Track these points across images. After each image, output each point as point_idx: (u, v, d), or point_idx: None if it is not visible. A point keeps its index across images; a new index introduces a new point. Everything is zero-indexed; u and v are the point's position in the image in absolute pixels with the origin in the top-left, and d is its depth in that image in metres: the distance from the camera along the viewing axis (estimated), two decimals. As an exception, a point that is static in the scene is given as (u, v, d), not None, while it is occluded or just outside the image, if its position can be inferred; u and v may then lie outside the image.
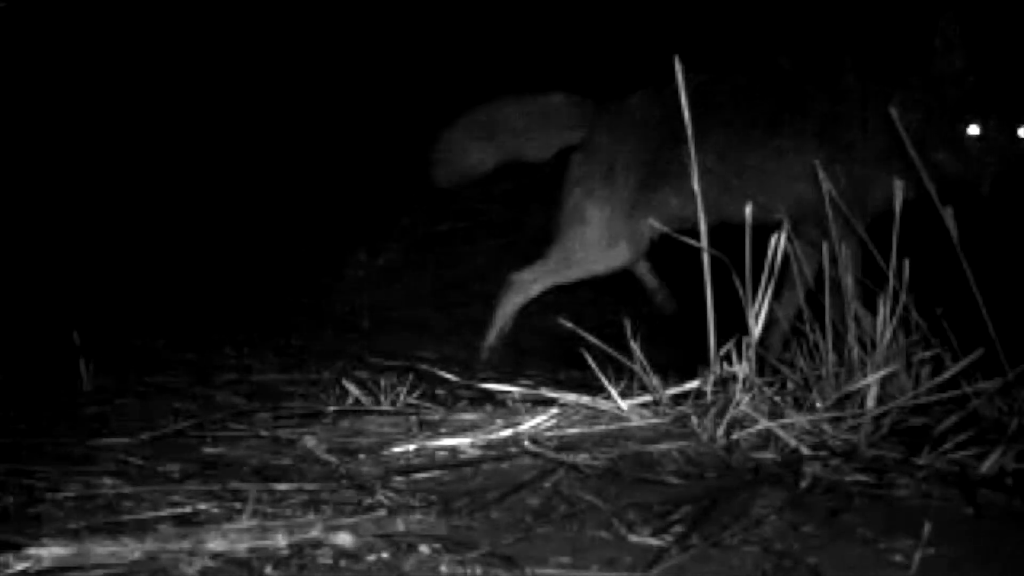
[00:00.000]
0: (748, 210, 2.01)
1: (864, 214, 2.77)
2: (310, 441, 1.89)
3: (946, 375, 1.87)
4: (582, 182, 2.99)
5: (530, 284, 3.07)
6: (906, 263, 1.94)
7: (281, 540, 1.36)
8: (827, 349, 1.94)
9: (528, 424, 1.90)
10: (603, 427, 1.89)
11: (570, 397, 1.99)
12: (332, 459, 1.80)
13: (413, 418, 2.05)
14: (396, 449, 1.84)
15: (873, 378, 1.86)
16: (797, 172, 2.86)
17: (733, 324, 1.96)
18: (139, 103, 4.15)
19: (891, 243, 1.98)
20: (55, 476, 1.66)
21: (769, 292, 1.94)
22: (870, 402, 1.85)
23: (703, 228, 2.05)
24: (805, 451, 1.74)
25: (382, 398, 2.17)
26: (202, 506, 1.53)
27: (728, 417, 1.82)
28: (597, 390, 2.00)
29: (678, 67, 2.04)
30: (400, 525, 1.42)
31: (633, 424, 1.89)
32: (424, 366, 2.61)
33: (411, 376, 2.33)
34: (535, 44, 4.25)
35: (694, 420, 1.86)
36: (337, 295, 3.96)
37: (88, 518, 1.48)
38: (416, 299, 3.96)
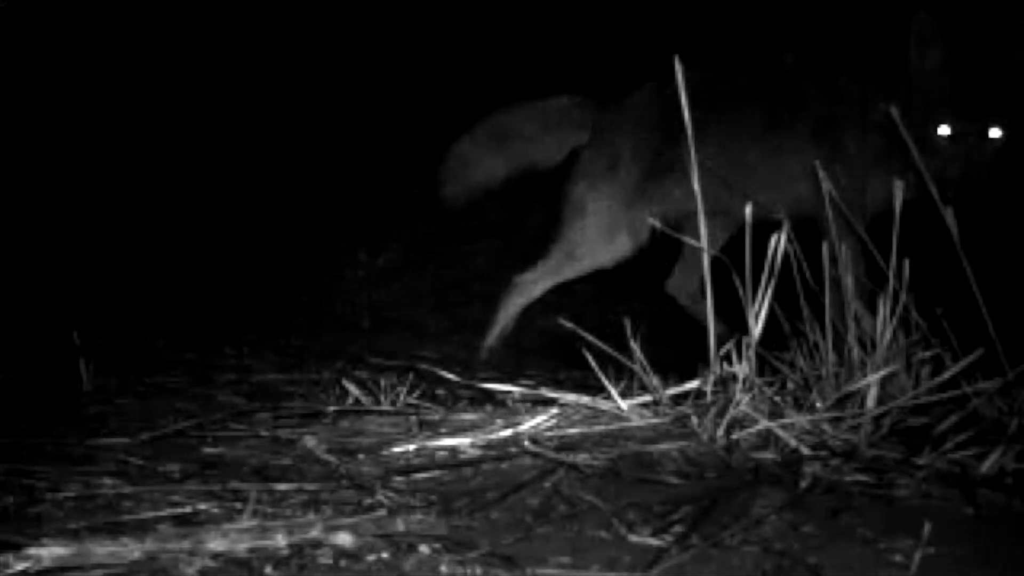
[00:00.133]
0: (748, 210, 2.01)
1: (863, 214, 2.77)
2: (310, 441, 1.89)
3: (946, 375, 1.87)
4: (585, 176, 3.03)
5: (532, 285, 3.09)
6: (906, 263, 1.94)
7: (281, 540, 1.36)
8: (827, 349, 1.94)
9: (528, 424, 1.90)
10: (603, 427, 1.89)
11: (570, 397, 1.99)
12: (332, 459, 1.80)
13: (413, 418, 2.05)
14: (396, 449, 1.84)
15: (873, 378, 1.86)
16: (794, 171, 2.87)
17: (733, 324, 1.96)
18: (139, 103, 4.15)
19: (891, 243, 1.98)
20: (55, 476, 1.66)
21: (769, 292, 1.94)
22: (870, 402, 1.85)
23: (703, 228, 2.05)
24: (805, 451, 1.74)
25: (382, 398, 2.17)
26: (202, 506, 1.53)
27: (728, 417, 1.82)
28: (597, 390, 2.00)
29: (678, 67, 2.04)
30: (400, 525, 1.41)
31: (633, 424, 1.89)
32: (424, 366, 2.61)
33: (411, 376, 2.33)
34: (533, 44, 4.25)
35: (694, 420, 1.86)
36: (337, 295, 3.96)
37: (88, 518, 1.48)
38: (416, 299, 3.96)
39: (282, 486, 1.62)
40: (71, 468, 1.71)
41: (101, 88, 4.08)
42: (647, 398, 1.97)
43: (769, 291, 1.94)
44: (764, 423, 1.80)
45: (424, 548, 1.37)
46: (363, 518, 1.44)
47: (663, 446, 1.78)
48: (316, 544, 1.36)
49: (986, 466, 1.67)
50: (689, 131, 2.04)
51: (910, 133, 2.73)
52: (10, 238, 3.50)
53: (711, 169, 2.80)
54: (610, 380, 1.99)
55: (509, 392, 2.13)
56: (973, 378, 1.87)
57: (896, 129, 2.58)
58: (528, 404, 2.07)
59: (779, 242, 1.95)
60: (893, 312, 1.91)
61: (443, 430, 1.95)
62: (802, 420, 1.81)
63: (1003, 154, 2.72)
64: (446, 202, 3.26)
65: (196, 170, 4.19)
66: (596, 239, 3.01)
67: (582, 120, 3.09)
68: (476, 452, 1.81)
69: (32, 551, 1.28)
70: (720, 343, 1.92)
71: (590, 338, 2.04)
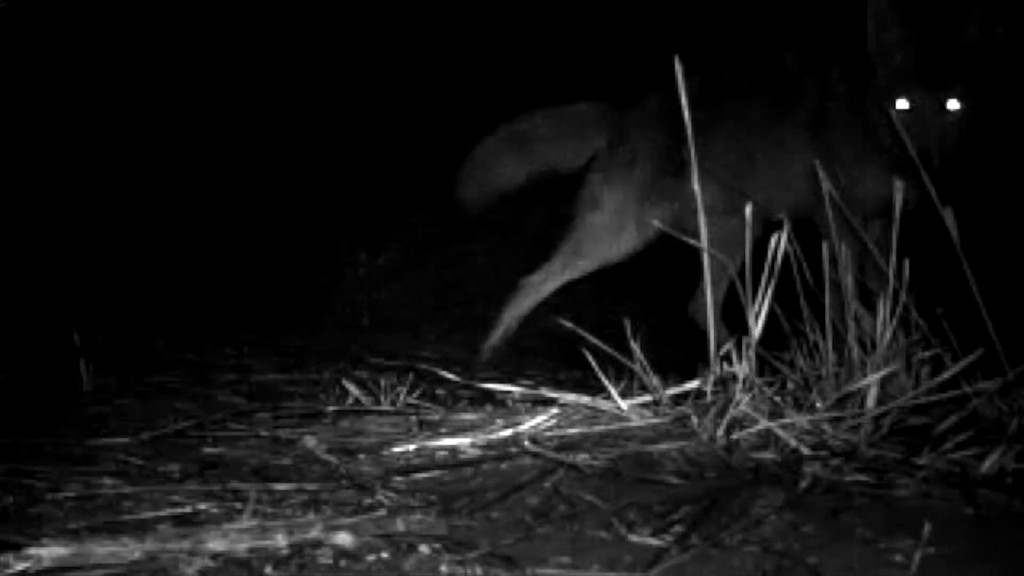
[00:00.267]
0: (748, 210, 2.01)
1: (853, 212, 2.80)
2: (310, 441, 1.89)
3: (946, 375, 1.87)
4: (603, 170, 3.09)
5: (540, 285, 3.12)
6: (906, 263, 1.94)
7: (281, 540, 1.36)
8: (827, 349, 1.94)
9: (528, 424, 1.90)
10: (603, 427, 1.89)
11: (570, 397, 1.99)
12: (332, 459, 1.80)
13: (413, 418, 2.05)
14: (396, 449, 1.84)
15: (873, 378, 1.85)
16: (794, 170, 2.89)
17: (733, 324, 1.96)
18: (139, 103, 4.14)
19: (891, 243, 1.97)
20: (55, 476, 1.66)
21: (769, 292, 1.94)
22: (870, 402, 1.85)
23: (703, 228, 2.05)
24: (805, 451, 1.74)
25: (382, 398, 2.17)
26: (202, 506, 1.53)
27: (728, 417, 1.82)
28: (597, 390, 2.00)
29: (678, 67, 2.05)
30: (400, 525, 1.41)
31: (633, 424, 1.89)
32: (424, 366, 2.61)
33: (411, 376, 2.33)
34: (531, 45, 4.25)
35: (694, 420, 1.86)
36: (337, 295, 3.96)
37: (88, 518, 1.48)
38: (416, 299, 3.96)
39: (282, 486, 1.62)
40: (71, 468, 1.71)
41: (101, 88, 4.08)
42: (647, 398, 1.97)
43: (769, 291, 1.94)
44: (764, 423, 1.80)
45: (424, 548, 1.37)
46: (363, 518, 1.44)
47: (663, 446, 1.78)
48: (316, 544, 1.36)
49: (986, 466, 1.67)
50: (689, 132, 2.05)
51: (872, 110, 2.77)
52: (10, 238, 3.50)
53: (723, 168, 2.85)
54: (610, 380, 1.99)
55: (509, 392, 2.13)
56: (973, 378, 1.87)
57: (891, 127, 2.61)
58: (528, 404, 2.07)
59: (779, 242, 1.95)
60: (893, 312, 1.91)
61: (443, 430, 1.95)
62: (802, 420, 1.81)
63: (964, 127, 2.72)
64: (463, 205, 3.29)
65: (196, 170, 4.19)
66: (606, 232, 3.05)
67: (602, 125, 3.14)
68: (476, 452, 1.81)
69: (32, 551, 1.28)
70: (720, 344, 1.92)
71: (590, 338, 2.04)
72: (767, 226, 2.01)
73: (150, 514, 1.50)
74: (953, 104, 2.71)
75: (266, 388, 2.47)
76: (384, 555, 1.35)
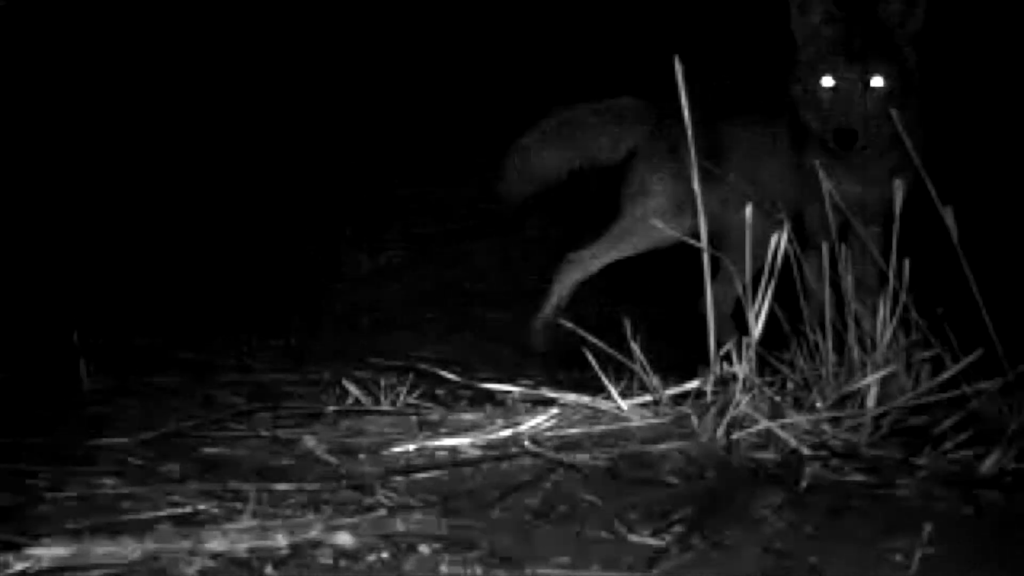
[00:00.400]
0: (748, 210, 2.01)
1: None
2: (310, 441, 1.89)
3: (946, 375, 1.87)
4: (648, 159, 3.19)
5: (589, 261, 3.19)
6: (906, 263, 1.94)
7: (281, 540, 1.36)
8: (827, 349, 1.94)
9: (528, 424, 1.90)
10: (603, 427, 1.89)
11: (570, 397, 1.99)
12: (332, 459, 1.80)
13: (413, 418, 2.05)
14: (396, 449, 1.84)
15: (873, 378, 1.85)
16: (764, 173, 2.99)
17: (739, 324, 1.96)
18: (139, 103, 4.14)
19: (891, 243, 1.97)
20: (55, 476, 1.66)
21: (769, 292, 1.94)
22: (870, 402, 1.85)
23: (703, 228, 2.05)
24: (805, 451, 1.74)
25: (382, 398, 2.17)
26: (202, 506, 1.53)
27: (728, 417, 1.82)
28: (597, 390, 2.00)
29: (678, 68, 2.05)
30: (400, 525, 1.41)
31: (633, 424, 1.89)
32: (424, 366, 2.61)
33: (411, 376, 2.32)
34: (530, 45, 4.25)
35: (694, 420, 1.86)
36: (337, 295, 3.96)
37: (88, 518, 1.48)
38: (416, 299, 3.96)
39: (282, 486, 1.62)
40: (71, 468, 1.71)
41: (101, 88, 4.08)
42: (647, 398, 1.97)
43: (769, 291, 1.94)
44: (764, 423, 1.80)
45: (424, 548, 1.37)
46: (363, 518, 1.44)
47: (663, 446, 1.78)
48: (316, 544, 1.36)
49: (986, 466, 1.67)
50: (689, 132, 2.05)
51: (799, 90, 2.79)
52: (10, 238, 3.50)
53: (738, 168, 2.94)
54: (610, 380, 1.99)
55: (509, 392, 2.13)
56: (973, 378, 1.87)
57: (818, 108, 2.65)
58: (528, 404, 2.07)
59: (779, 242, 1.95)
60: (893, 312, 1.91)
61: (443, 430, 1.95)
62: (802, 420, 1.81)
63: (888, 105, 2.72)
64: (504, 198, 3.35)
65: (196, 170, 4.19)
66: (656, 217, 3.09)
67: (643, 117, 3.23)
68: (476, 452, 1.81)
69: (32, 551, 1.28)
70: (721, 343, 1.92)
71: (590, 338, 2.04)
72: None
73: (150, 514, 1.50)
74: (877, 81, 2.72)
75: (266, 388, 2.47)
76: (384, 555, 1.35)
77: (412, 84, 4.33)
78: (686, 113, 2.05)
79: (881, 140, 2.74)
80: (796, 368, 1.97)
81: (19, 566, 1.26)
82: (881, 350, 1.90)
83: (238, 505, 1.53)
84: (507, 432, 1.87)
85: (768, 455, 1.74)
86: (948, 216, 1.95)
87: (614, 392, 1.97)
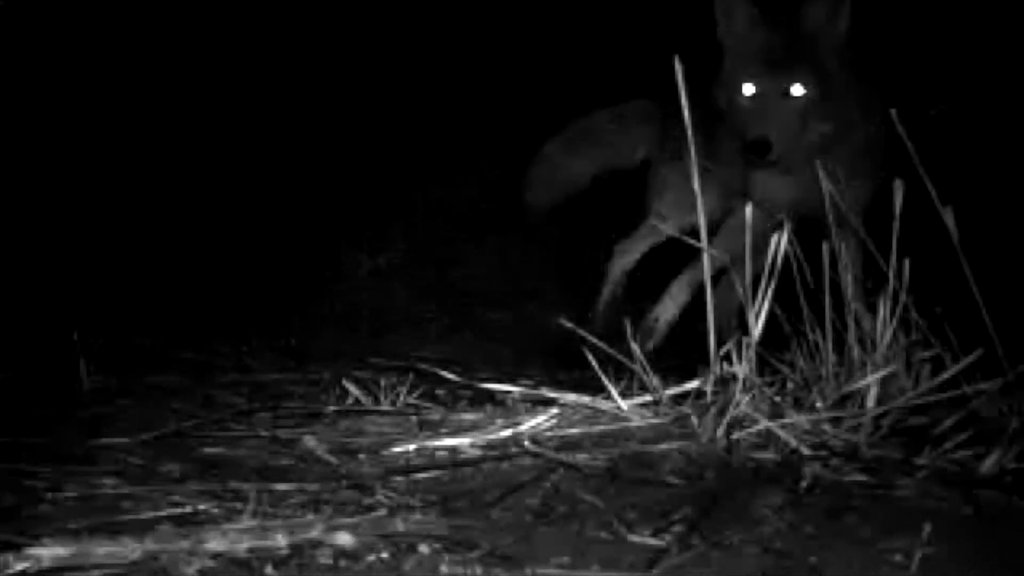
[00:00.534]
0: (748, 210, 2.01)
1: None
2: (310, 441, 1.89)
3: (946, 375, 1.87)
4: (667, 155, 3.27)
5: (631, 246, 3.33)
6: (906, 263, 1.94)
7: (281, 540, 1.36)
8: (827, 349, 1.94)
9: (528, 424, 1.90)
10: (603, 427, 1.89)
11: (570, 397, 1.99)
12: (332, 459, 1.80)
13: (413, 418, 2.05)
14: (396, 449, 1.84)
15: (873, 378, 1.85)
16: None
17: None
18: (139, 103, 4.14)
19: (891, 243, 1.97)
20: (55, 476, 1.66)
21: (770, 292, 1.94)
22: (870, 402, 1.85)
23: (703, 228, 2.05)
24: (805, 451, 1.74)
25: (382, 398, 2.17)
26: (202, 506, 1.53)
27: (728, 417, 1.82)
28: (597, 390, 2.00)
29: (678, 67, 2.05)
30: (400, 525, 1.41)
31: (633, 424, 1.89)
32: (424, 366, 2.61)
33: (411, 376, 2.33)
34: (528, 43, 4.25)
35: (694, 420, 1.86)
36: (337, 295, 3.96)
37: (88, 518, 1.48)
38: (416, 299, 3.96)
39: (282, 486, 1.62)
40: (71, 468, 1.71)
41: (101, 88, 4.08)
42: (647, 398, 1.97)
43: (769, 291, 1.94)
44: (764, 423, 1.80)
45: (424, 548, 1.37)
46: (363, 518, 1.44)
47: (663, 446, 1.78)
48: (316, 544, 1.36)
49: (986, 466, 1.67)
50: (689, 131, 2.05)
51: (722, 96, 2.79)
52: (10, 238, 3.50)
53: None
54: (610, 380, 1.99)
55: (509, 392, 2.13)
56: (973, 378, 1.87)
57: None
58: (528, 404, 2.07)
59: (779, 242, 1.95)
60: (893, 312, 1.91)
61: (443, 430, 1.95)
62: (802, 420, 1.81)
63: (809, 113, 2.71)
64: (531, 207, 3.40)
65: (196, 170, 4.19)
66: (681, 205, 3.19)
67: (655, 118, 3.31)
68: (476, 452, 1.81)
69: (32, 551, 1.28)
70: (722, 343, 1.92)
71: (590, 338, 2.04)
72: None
73: (150, 514, 1.50)
74: (797, 89, 2.71)
75: (266, 388, 2.47)
76: (384, 555, 1.35)
77: (412, 84, 4.33)
78: (686, 113, 2.05)
79: (805, 147, 2.73)
80: (796, 368, 1.97)
81: (19, 566, 1.26)
82: (881, 350, 1.90)
83: (238, 505, 1.53)
84: (507, 432, 1.87)
85: (768, 455, 1.74)
86: (948, 216, 1.95)
87: (614, 392, 1.97)
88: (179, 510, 1.51)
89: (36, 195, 3.80)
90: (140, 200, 4.03)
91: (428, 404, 2.18)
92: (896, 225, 1.99)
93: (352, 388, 2.18)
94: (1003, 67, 3.42)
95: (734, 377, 1.86)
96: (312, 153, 4.34)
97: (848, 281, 2.00)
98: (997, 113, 3.45)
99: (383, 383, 2.22)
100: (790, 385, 1.96)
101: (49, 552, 1.28)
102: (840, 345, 1.94)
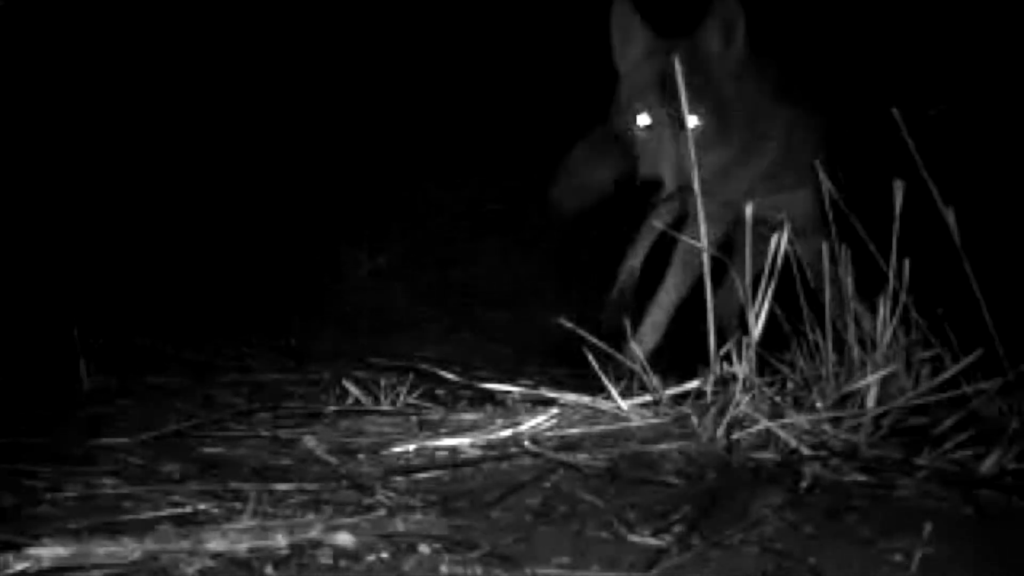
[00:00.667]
0: (748, 210, 2.01)
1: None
2: (310, 441, 1.89)
3: (946, 375, 1.87)
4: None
5: (640, 245, 3.24)
6: (906, 263, 1.94)
7: (281, 540, 1.36)
8: (827, 349, 1.94)
9: (528, 424, 1.90)
10: (603, 427, 1.89)
11: (570, 397, 1.99)
12: (332, 459, 1.80)
13: (413, 418, 2.05)
14: (396, 449, 1.84)
15: (873, 378, 1.85)
16: None
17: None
18: (139, 103, 4.14)
19: (891, 243, 1.97)
20: (55, 476, 1.66)
21: (770, 292, 1.94)
22: (870, 402, 1.85)
23: (703, 228, 2.05)
24: (805, 451, 1.74)
25: (382, 398, 2.17)
26: (202, 506, 1.53)
27: (728, 417, 1.82)
28: (597, 390, 2.00)
29: (678, 67, 2.06)
30: (400, 525, 1.42)
31: (633, 424, 1.89)
32: (424, 366, 2.61)
33: (411, 376, 2.33)
34: (527, 43, 4.25)
35: (694, 420, 1.86)
36: (337, 295, 3.96)
37: (88, 518, 1.48)
38: (416, 299, 3.96)
39: (282, 486, 1.62)
40: (71, 468, 1.71)
41: (101, 88, 4.08)
42: (647, 398, 1.97)
43: (769, 291, 1.94)
44: (764, 423, 1.80)
45: (424, 548, 1.37)
46: (363, 518, 1.44)
47: (663, 446, 1.78)
48: (316, 544, 1.36)
49: (986, 466, 1.67)
50: (689, 132, 2.05)
51: (620, 125, 2.73)
52: (10, 238, 3.50)
53: None
54: (610, 380, 1.99)
55: (509, 392, 2.13)
56: (973, 378, 1.87)
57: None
58: (528, 404, 2.07)
59: (779, 242, 1.95)
60: (893, 312, 1.91)
61: (443, 430, 1.95)
62: (802, 420, 1.81)
63: (704, 144, 2.67)
64: (560, 211, 3.37)
65: (196, 170, 4.19)
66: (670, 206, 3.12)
67: None
68: (476, 452, 1.82)
69: (32, 551, 1.28)
70: (722, 343, 1.92)
71: (590, 338, 2.04)
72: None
73: (150, 514, 1.50)
74: (693, 120, 2.61)
75: (266, 388, 2.47)
76: (384, 555, 1.35)
77: (412, 84, 4.33)
78: (686, 111, 2.05)
79: (688, 179, 2.68)
80: (796, 368, 1.97)
81: (19, 566, 1.26)
82: (881, 350, 1.90)
83: (238, 505, 1.53)
84: (507, 432, 1.87)
85: (768, 455, 1.74)
86: (949, 217, 1.95)
87: (614, 392, 1.97)
88: (179, 510, 1.51)
89: (36, 195, 3.80)
90: (140, 200, 4.03)
91: (428, 404, 2.18)
92: (896, 225, 1.99)
93: (352, 388, 2.19)
94: (1003, 67, 3.42)
95: (734, 377, 1.86)
96: (312, 153, 4.34)
97: (849, 283, 2.00)
98: (997, 113, 3.45)
99: (383, 383, 2.22)
100: (790, 385, 1.96)
101: (49, 552, 1.28)
102: (840, 345, 1.94)
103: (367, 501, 1.56)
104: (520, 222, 4.18)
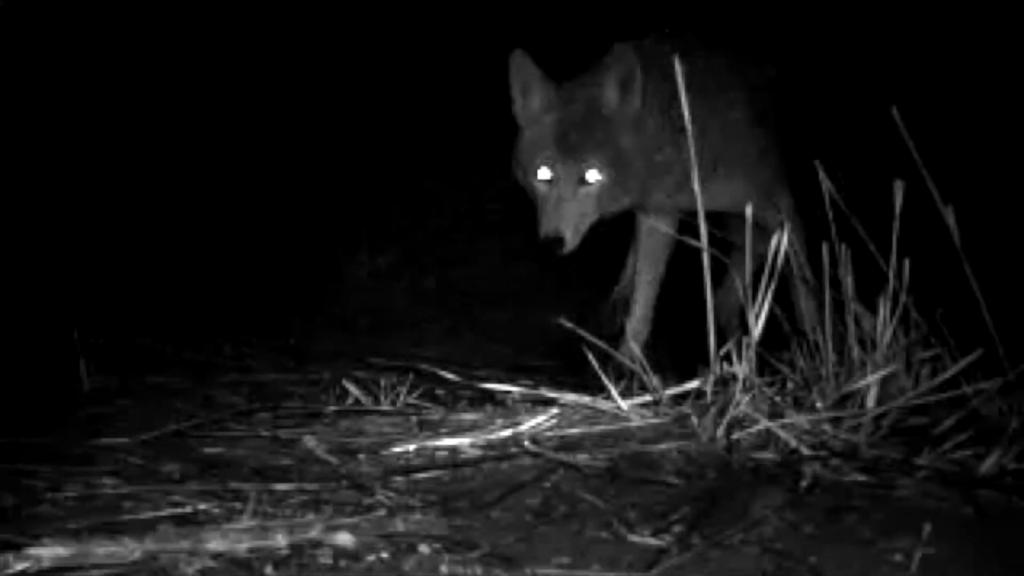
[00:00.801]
0: (748, 210, 2.01)
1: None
2: (310, 441, 1.89)
3: (946, 375, 1.87)
4: None
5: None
6: (906, 263, 1.94)
7: (281, 540, 1.36)
8: (827, 349, 1.94)
9: (528, 424, 1.90)
10: (603, 427, 1.89)
11: (570, 397, 1.99)
12: (332, 459, 1.80)
13: (413, 418, 2.05)
14: (396, 449, 1.84)
15: (873, 378, 1.85)
16: None
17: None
18: (139, 103, 4.14)
19: (891, 243, 1.97)
20: (55, 476, 1.66)
21: (770, 292, 1.94)
22: (870, 402, 1.85)
23: (703, 228, 2.05)
24: (805, 451, 1.74)
25: (382, 398, 2.17)
26: (202, 506, 1.53)
27: (728, 417, 1.82)
28: (597, 390, 2.00)
29: (678, 66, 2.06)
30: (400, 525, 1.42)
31: (633, 424, 1.89)
32: (424, 366, 2.61)
33: (411, 376, 2.33)
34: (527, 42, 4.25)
35: (694, 420, 1.86)
36: (337, 295, 3.96)
37: (88, 518, 1.48)
38: (416, 299, 3.96)
39: (282, 486, 1.62)
40: (71, 468, 1.71)
41: (101, 88, 4.08)
42: (647, 398, 1.97)
43: (769, 291, 1.94)
44: (764, 423, 1.80)
45: (424, 548, 1.37)
46: (363, 518, 1.44)
47: (663, 446, 1.78)
48: (316, 544, 1.36)
49: (986, 466, 1.67)
50: (689, 131, 2.05)
51: (521, 176, 2.69)
52: (10, 238, 3.50)
53: None
54: (610, 380, 1.99)
55: (509, 392, 2.13)
56: (973, 378, 1.87)
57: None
58: (528, 404, 2.07)
59: (779, 242, 1.95)
60: (893, 312, 1.91)
61: (443, 430, 1.95)
62: (802, 420, 1.81)
63: (602, 199, 2.63)
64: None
65: (196, 170, 4.19)
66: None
67: None
68: (476, 452, 1.82)
69: (32, 551, 1.28)
70: (722, 343, 1.92)
71: (590, 338, 2.04)
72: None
73: (150, 514, 1.50)
74: (592, 175, 2.61)
75: (266, 388, 2.47)
76: (384, 555, 1.35)
77: (412, 84, 4.33)
78: (686, 112, 2.05)
79: (587, 230, 2.65)
80: (796, 368, 1.97)
81: (19, 566, 1.26)
82: (881, 350, 1.90)
83: (238, 505, 1.53)
84: (507, 432, 1.87)
85: (768, 455, 1.74)
86: (949, 216, 1.95)
87: (614, 392, 1.97)
88: (179, 510, 1.51)
89: (36, 195, 3.80)
90: (141, 201, 4.03)
91: (428, 404, 2.18)
92: (896, 225, 1.99)
93: (352, 388, 2.19)
94: (1003, 67, 3.42)
95: (734, 377, 1.86)
96: (312, 154, 4.34)
97: (849, 283, 2.00)
98: (997, 113, 3.45)
99: (383, 383, 2.22)
100: (790, 385, 1.96)
101: (49, 552, 1.29)
102: (840, 345, 1.93)
103: (367, 501, 1.56)
104: (520, 222, 4.18)
